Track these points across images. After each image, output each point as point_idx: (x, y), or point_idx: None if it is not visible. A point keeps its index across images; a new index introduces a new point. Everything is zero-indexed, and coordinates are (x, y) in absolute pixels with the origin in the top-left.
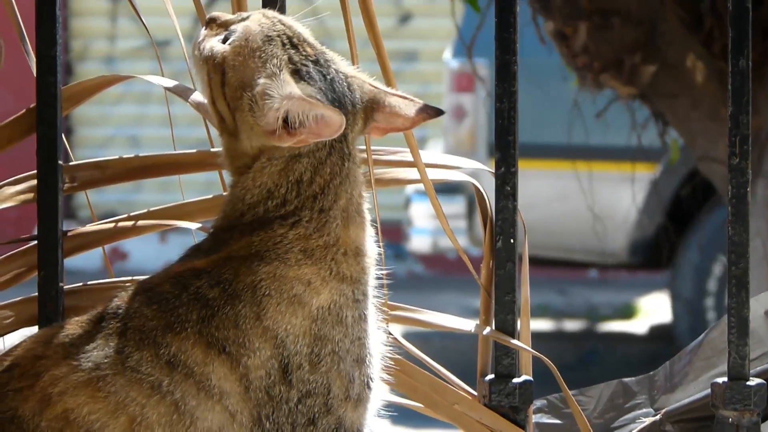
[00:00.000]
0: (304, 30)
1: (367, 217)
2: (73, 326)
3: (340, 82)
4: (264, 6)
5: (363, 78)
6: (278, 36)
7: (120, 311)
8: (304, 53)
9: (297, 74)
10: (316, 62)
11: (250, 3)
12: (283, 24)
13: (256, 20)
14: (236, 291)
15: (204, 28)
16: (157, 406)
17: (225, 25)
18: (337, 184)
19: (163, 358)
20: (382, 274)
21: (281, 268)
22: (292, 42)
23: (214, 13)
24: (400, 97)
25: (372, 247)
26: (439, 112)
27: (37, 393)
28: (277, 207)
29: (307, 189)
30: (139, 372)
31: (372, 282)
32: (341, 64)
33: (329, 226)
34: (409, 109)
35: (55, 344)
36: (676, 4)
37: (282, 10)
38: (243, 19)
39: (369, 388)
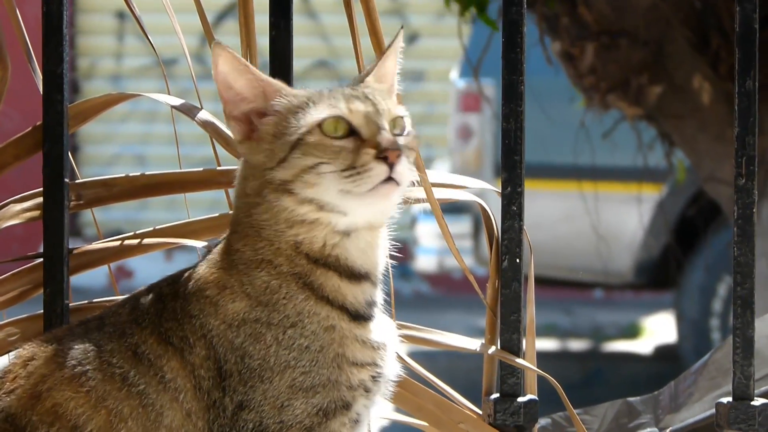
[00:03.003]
0: None
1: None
2: (62, 330)
3: None
4: (273, 27)
5: None
6: None
7: (102, 313)
8: None
9: None
10: None
11: (258, 21)
12: None
13: None
14: (178, 288)
15: None
16: (127, 400)
17: None
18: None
19: (130, 349)
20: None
21: (195, 270)
22: None
23: None
24: None
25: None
26: None
27: (28, 391)
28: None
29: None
30: (111, 365)
31: (329, 320)
32: None
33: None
34: None
35: (44, 346)
36: (683, 25)
37: (289, 29)
38: None
39: (327, 419)
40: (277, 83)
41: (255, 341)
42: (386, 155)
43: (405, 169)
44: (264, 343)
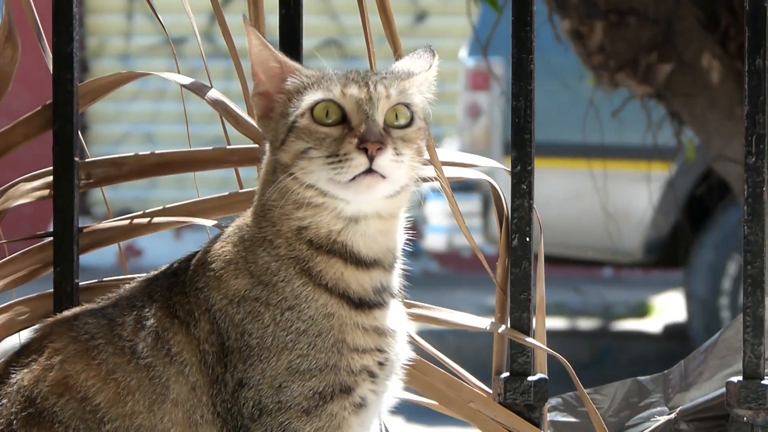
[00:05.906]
0: None
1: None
2: (81, 307)
3: None
4: (282, 5)
5: None
6: None
7: (121, 290)
8: None
9: None
10: None
11: (266, 2)
12: None
13: None
14: (190, 262)
15: None
16: (135, 372)
17: None
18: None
19: (140, 322)
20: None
21: (212, 244)
22: None
23: None
24: None
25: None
26: None
27: (42, 364)
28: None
29: None
30: (122, 338)
31: (329, 307)
32: None
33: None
34: None
35: (62, 322)
36: (692, 3)
37: (298, 7)
38: None
39: (324, 402)
40: (294, 64)
41: (254, 319)
42: (366, 146)
43: (389, 163)
44: (262, 323)
